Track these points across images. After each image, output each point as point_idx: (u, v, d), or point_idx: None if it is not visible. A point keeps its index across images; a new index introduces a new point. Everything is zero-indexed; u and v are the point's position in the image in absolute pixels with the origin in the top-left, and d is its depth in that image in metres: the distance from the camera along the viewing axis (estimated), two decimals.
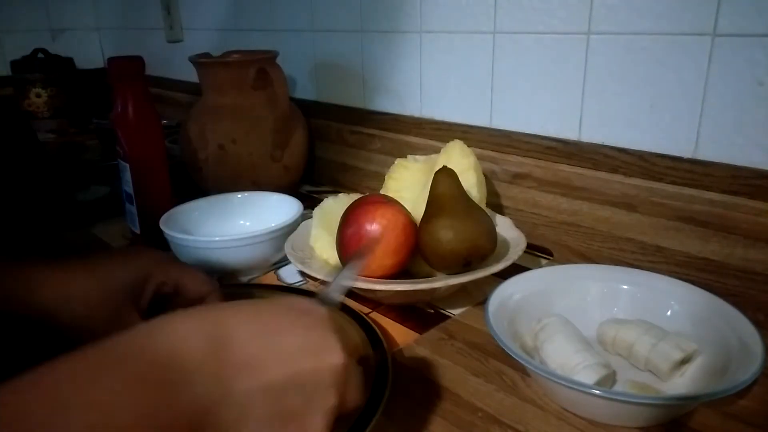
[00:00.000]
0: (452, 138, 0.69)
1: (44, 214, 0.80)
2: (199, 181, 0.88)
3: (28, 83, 1.49)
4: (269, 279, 0.66)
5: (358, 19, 0.89)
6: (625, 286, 0.52)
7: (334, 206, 0.67)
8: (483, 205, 0.63)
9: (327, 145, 1.00)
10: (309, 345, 0.30)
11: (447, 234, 0.54)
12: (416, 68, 0.83)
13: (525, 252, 0.60)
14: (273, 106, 0.85)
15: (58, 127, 1.49)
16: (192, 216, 0.72)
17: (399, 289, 0.53)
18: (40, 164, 0.82)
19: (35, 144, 0.83)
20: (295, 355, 0.29)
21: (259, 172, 0.86)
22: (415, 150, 0.82)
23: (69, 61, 1.58)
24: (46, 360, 0.24)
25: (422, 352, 0.51)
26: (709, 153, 0.57)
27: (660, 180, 0.60)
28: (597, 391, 0.39)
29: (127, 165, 0.72)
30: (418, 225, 0.58)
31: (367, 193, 0.64)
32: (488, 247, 0.56)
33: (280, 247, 0.65)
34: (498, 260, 0.56)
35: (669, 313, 0.49)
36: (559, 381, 0.40)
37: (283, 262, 0.68)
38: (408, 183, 0.68)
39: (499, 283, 0.51)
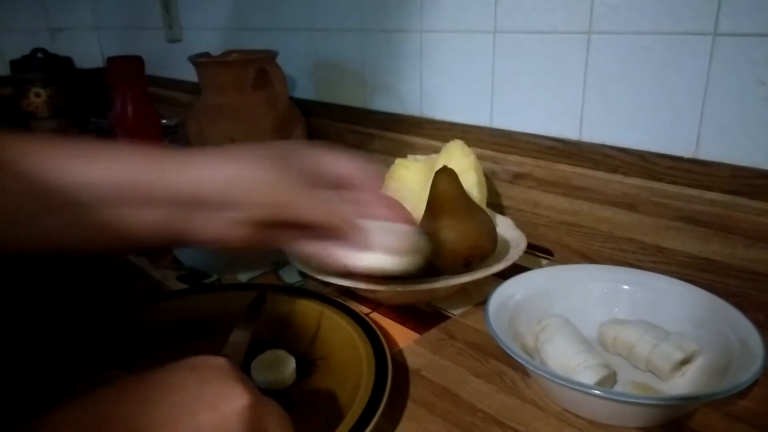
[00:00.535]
0: (452, 138, 0.69)
1: None
2: None
3: (27, 83, 1.49)
4: (269, 279, 0.66)
5: (358, 19, 0.89)
6: (626, 287, 0.52)
7: None
8: (483, 205, 0.63)
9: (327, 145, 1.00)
10: (205, 397, 0.28)
11: (447, 234, 0.54)
12: (416, 68, 0.82)
13: (525, 252, 0.59)
14: (272, 105, 0.85)
15: (57, 127, 1.49)
16: None
17: (399, 289, 0.53)
18: None
19: None
20: (193, 412, 0.27)
21: None
22: (415, 150, 0.81)
23: (68, 61, 1.58)
24: None
25: (422, 352, 0.51)
26: (709, 153, 0.57)
27: (661, 180, 0.60)
28: (597, 392, 0.39)
29: None
30: (418, 225, 0.58)
31: None
32: (488, 247, 0.56)
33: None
34: (498, 260, 0.56)
35: (669, 313, 0.49)
36: (560, 381, 0.40)
37: (283, 262, 0.68)
38: (408, 183, 0.67)
39: (500, 283, 0.51)
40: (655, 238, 0.61)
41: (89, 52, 1.69)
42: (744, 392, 0.40)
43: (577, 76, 0.65)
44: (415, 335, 0.54)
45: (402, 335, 0.54)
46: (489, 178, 0.74)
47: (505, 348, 0.42)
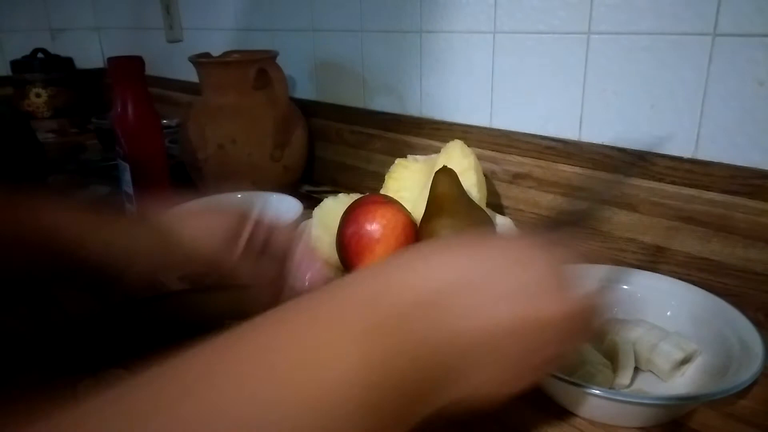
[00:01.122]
0: (452, 138, 0.69)
1: None
2: (199, 181, 0.88)
3: (27, 83, 1.49)
4: None
5: (358, 19, 0.89)
6: (626, 286, 0.52)
7: (334, 206, 0.67)
8: (483, 205, 0.63)
9: (327, 145, 1.00)
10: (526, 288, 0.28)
11: (447, 234, 0.54)
12: (416, 68, 0.83)
13: None
14: (273, 106, 0.85)
15: (58, 127, 1.49)
16: None
17: None
18: (40, 164, 0.82)
19: (35, 144, 0.83)
20: (513, 299, 0.27)
21: (259, 172, 0.86)
22: (415, 150, 0.81)
23: (69, 61, 1.58)
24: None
25: None
26: (709, 153, 0.57)
27: (660, 180, 0.60)
28: (597, 392, 0.39)
29: (127, 165, 0.72)
30: (418, 225, 0.58)
31: (367, 193, 0.64)
32: None
33: None
34: None
35: (669, 313, 0.49)
36: (560, 381, 0.40)
37: None
38: (408, 183, 0.68)
39: None
40: (654, 238, 0.61)
41: (90, 52, 1.69)
42: (744, 392, 0.39)
43: (576, 76, 0.65)
44: None
45: None
46: (489, 178, 0.74)
47: None
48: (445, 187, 0.56)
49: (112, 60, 0.72)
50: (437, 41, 0.79)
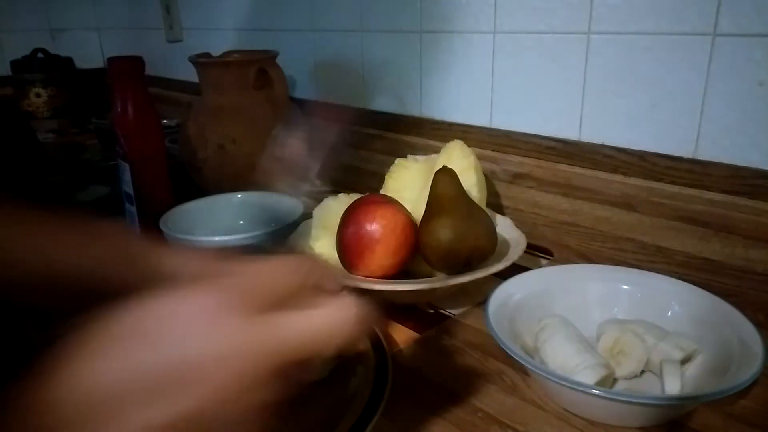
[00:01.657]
0: (452, 138, 0.69)
1: None
2: (199, 181, 0.88)
3: (27, 83, 1.49)
4: None
5: (358, 19, 0.89)
6: (626, 286, 0.52)
7: (334, 206, 0.67)
8: (483, 205, 0.63)
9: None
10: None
11: (447, 234, 0.54)
12: (416, 68, 0.83)
13: (525, 252, 0.59)
14: (273, 106, 0.85)
15: (58, 127, 1.49)
16: (192, 216, 0.72)
17: (399, 289, 0.53)
18: (40, 164, 0.82)
19: (35, 144, 0.83)
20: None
21: (259, 172, 0.86)
22: (415, 150, 0.81)
23: (69, 61, 1.58)
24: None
25: (422, 352, 0.51)
26: (709, 153, 0.57)
27: (660, 180, 0.60)
28: (597, 392, 0.39)
29: (127, 165, 0.72)
30: (418, 225, 0.58)
31: (367, 193, 0.64)
32: (488, 247, 0.56)
33: None
34: (498, 260, 0.56)
35: (669, 313, 0.49)
36: (560, 381, 0.40)
37: None
38: (408, 183, 0.67)
39: (499, 283, 0.51)
40: (654, 238, 0.61)
41: (90, 52, 1.69)
42: (744, 392, 0.39)
43: (576, 77, 0.65)
44: (415, 335, 0.54)
45: (402, 335, 0.54)
46: (489, 178, 0.74)
47: (504, 348, 0.42)
48: (445, 187, 0.56)
49: (112, 60, 0.72)
50: (437, 41, 0.79)
